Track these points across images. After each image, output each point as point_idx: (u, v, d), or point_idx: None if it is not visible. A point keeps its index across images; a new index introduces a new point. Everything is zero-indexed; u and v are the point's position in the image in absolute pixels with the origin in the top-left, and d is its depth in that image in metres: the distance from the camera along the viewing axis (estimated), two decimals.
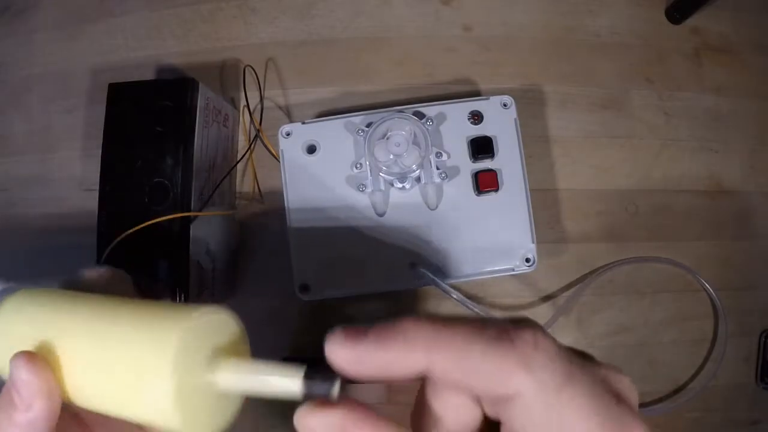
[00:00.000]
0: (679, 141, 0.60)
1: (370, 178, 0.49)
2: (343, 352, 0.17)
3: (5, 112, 0.65)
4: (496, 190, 0.49)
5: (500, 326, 0.18)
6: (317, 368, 0.16)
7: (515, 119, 0.50)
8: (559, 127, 0.59)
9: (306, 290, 0.49)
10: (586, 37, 0.61)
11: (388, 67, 0.60)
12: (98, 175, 0.51)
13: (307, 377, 0.16)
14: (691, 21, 0.60)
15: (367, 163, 0.48)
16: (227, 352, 0.19)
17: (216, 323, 0.20)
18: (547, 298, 0.58)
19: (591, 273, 0.57)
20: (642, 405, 0.57)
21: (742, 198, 0.60)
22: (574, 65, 0.60)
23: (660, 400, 0.57)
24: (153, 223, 0.48)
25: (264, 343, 0.61)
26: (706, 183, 0.60)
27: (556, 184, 0.59)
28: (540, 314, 0.57)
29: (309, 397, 0.16)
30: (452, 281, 0.49)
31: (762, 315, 0.59)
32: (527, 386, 0.16)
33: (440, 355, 0.17)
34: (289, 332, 0.59)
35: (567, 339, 0.58)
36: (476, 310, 0.48)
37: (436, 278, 0.47)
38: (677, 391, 0.57)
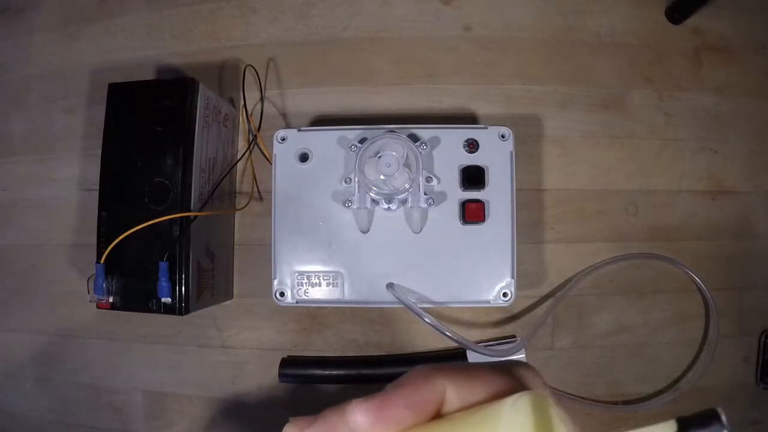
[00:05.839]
0: (679, 141, 0.60)
1: (357, 194, 0.48)
2: (367, 419, 0.16)
3: (5, 112, 0.65)
4: (482, 221, 0.49)
5: (498, 364, 0.19)
6: (687, 420, 0.14)
7: (511, 152, 0.50)
8: (559, 127, 0.59)
9: (282, 296, 0.50)
10: (586, 37, 0.61)
11: (388, 67, 0.60)
12: (98, 175, 0.51)
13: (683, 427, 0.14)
14: (691, 21, 0.60)
15: (356, 179, 0.48)
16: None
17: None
18: (547, 297, 0.58)
19: (589, 268, 0.57)
20: (638, 401, 0.57)
21: (742, 198, 0.60)
22: (574, 65, 0.60)
23: (654, 395, 0.57)
24: (153, 223, 0.48)
25: (264, 343, 0.62)
26: (706, 183, 0.60)
27: (556, 184, 0.59)
28: (540, 313, 0.57)
29: None
30: (428, 306, 0.49)
31: (762, 315, 0.59)
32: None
33: (453, 384, 0.17)
34: (288, 331, 0.59)
35: (567, 339, 0.58)
36: (447, 334, 0.47)
37: (410, 301, 0.47)
38: (671, 386, 0.57)
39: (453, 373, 0.17)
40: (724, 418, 0.13)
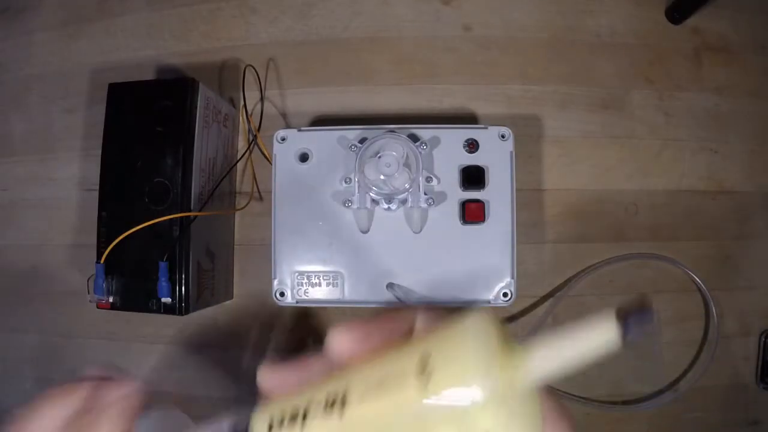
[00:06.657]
0: (679, 141, 0.60)
1: (357, 194, 0.48)
2: (350, 339, 0.18)
3: (5, 112, 0.65)
4: (482, 221, 0.49)
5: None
6: (624, 309, 0.14)
7: (511, 152, 0.50)
8: (559, 127, 0.59)
9: (282, 296, 0.50)
10: (586, 37, 0.61)
11: (388, 67, 0.60)
12: (98, 175, 0.51)
13: (620, 317, 0.14)
14: (691, 21, 0.60)
15: (356, 179, 0.48)
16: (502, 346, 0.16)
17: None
18: (547, 297, 0.58)
19: (589, 267, 0.57)
20: (638, 401, 0.57)
21: (742, 198, 0.60)
22: (574, 65, 0.60)
23: (654, 395, 0.57)
24: (153, 223, 0.48)
25: (264, 342, 0.61)
26: (706, 183, 0.60)
27: (556, 184, 0.59)
28: (540, 313, 0.57)
29: (631, 341, 0.13)
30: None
31: (762, 315, 0.59)
32: None
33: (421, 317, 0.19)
34: (287, 331, 0.59)
35: None
36: None
37: (410, 302, 0.47)
38: (671, 386, 0.57)
39: (422, 309, 0.19)
40: (653, 309, 0.13)
